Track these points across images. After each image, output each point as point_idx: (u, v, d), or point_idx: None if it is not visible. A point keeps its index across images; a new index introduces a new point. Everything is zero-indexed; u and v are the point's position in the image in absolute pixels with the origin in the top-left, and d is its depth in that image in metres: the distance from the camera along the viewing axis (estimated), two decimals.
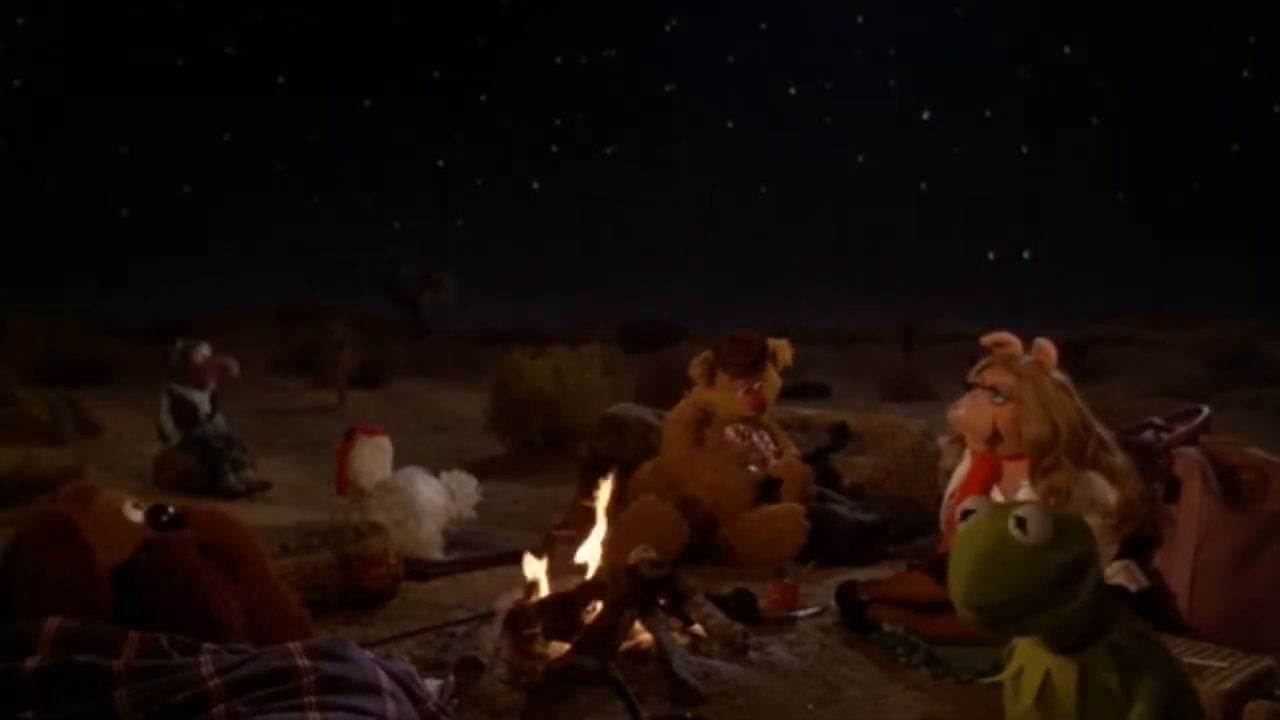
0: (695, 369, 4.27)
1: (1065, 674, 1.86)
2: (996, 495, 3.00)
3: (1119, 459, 2.93)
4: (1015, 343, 3.06)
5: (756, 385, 4.20)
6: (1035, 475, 2.92)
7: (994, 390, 2.98)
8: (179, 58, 20.46)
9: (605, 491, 3.28)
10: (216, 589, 2.32)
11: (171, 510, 2.42)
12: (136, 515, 2.38)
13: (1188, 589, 2.91)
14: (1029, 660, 1.93)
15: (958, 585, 1.87)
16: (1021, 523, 1.83)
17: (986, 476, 3.02)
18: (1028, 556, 1.82)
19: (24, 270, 16.46)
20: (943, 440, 3.41)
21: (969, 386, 3.06)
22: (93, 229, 19.36)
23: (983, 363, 3.08)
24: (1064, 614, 1.83)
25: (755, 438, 4.23)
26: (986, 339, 3.11)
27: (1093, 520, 2.81)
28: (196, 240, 19.76)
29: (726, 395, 4.20)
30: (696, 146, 21.31)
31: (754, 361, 4.21)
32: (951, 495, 3.14)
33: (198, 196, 20.22)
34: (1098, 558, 1.88)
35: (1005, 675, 1.97)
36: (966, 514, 1.98)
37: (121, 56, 19.61)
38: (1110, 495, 2.87)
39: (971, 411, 3.03)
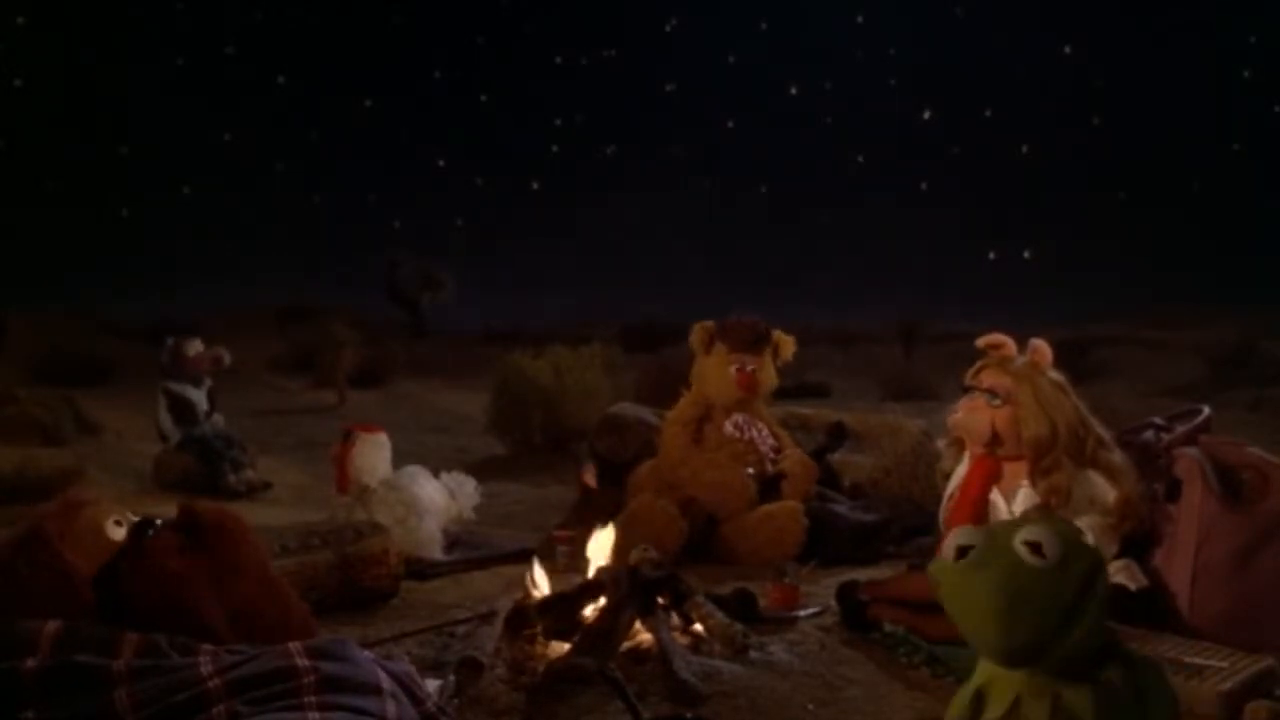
0: (695, 336, 4.27)
1: (1037, 703, 1.77)
2: (996, 496, 3.00)
3: (1118, 457, 2.93)
4: (1010, 344, 3.06)
5: (750, 367, 4.20)
6: (1035, 476, 2.92)
7: (991, 393, 2.98)
8: (179, 58, 20.50)
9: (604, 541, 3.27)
10: (200, 598, 2.33)
11: (159, 524, 2.42)
12: (118, 533, 2.39)
13: (1188, 589, 2.90)
14: (1001, 674, 1.84)
15: (986, 630, 1.76)
16: (1037, 547, 1.75)
17: (985, 478, 3.02)
18: (1051, 579, 1.74)
19: (24, 270, 16.48)
20: (941, 443, 3.41)
21: (966, 390, 3.06)
22: (93, 229, 19.37)
23: (978, 365, 3.08)
24: (1086, 625, 1.74)
25: (754, 433, 4.23)
26: (981, 341, 3.10)
27: (1093, 519, 2.82)
28: (196, 240, 19.78)
29: (719, 368, 4.19)
30: (696, 146, 21.35)
31: (755, 341, 4.21)
32: (951, 496, 3.13)
33: (198, 196, 20.26)
34: (1103, 558, 1.82)
35: (972, 685, 1.86)
36: (963, 550, 1.84)
37: (121, 57, 19.61)
38: (1110, 494, 2.87)
39: (970, 415, 3.02)
